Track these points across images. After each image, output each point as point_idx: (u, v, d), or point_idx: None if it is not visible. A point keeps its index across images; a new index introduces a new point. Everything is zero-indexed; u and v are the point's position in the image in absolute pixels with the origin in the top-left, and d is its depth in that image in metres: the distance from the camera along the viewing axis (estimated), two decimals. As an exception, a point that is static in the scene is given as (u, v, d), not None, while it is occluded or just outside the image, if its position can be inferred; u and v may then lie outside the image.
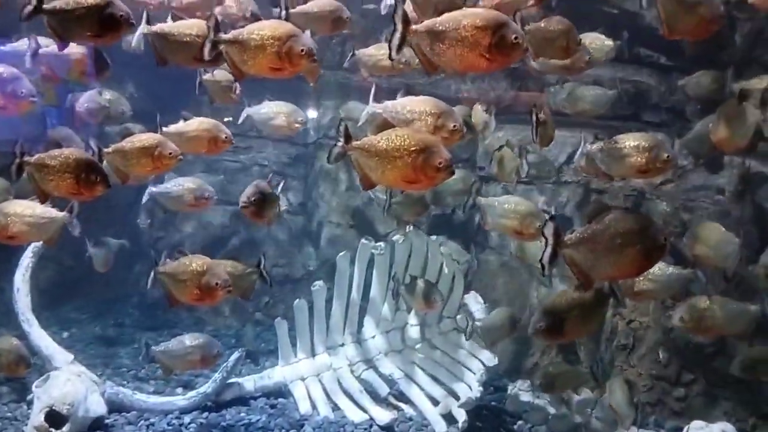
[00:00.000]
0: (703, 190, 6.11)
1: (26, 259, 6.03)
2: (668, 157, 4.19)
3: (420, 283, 5.49)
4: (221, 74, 5.14)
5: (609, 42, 5.24)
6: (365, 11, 6.89)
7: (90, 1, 3.68)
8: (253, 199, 4.46)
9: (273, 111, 5.88)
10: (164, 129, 4.72)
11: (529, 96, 7.35)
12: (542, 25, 4.45)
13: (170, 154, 4.32)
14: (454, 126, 3.45)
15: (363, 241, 6.15)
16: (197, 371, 6.20)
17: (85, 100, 6.13)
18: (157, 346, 5.27)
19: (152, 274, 4.26)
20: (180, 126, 4.82)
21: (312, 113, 8.14)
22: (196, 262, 4.12)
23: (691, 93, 5.72)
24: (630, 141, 4.25)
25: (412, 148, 3.10)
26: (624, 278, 4.03)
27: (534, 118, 4.72)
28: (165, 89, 7.18)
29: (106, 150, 4.29)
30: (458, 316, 6.17)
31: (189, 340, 5.19)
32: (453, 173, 3.10)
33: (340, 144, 3.29)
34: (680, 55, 6.31)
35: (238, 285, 4.42)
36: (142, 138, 4.37)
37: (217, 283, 4.05)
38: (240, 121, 6.00)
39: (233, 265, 4.45)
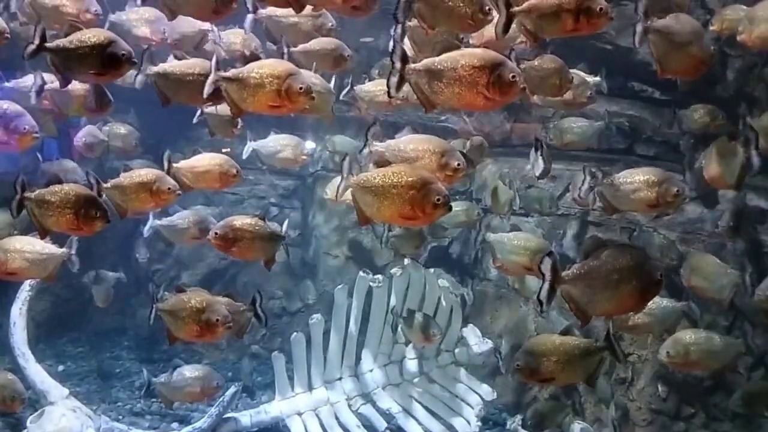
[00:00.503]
0: (700, 223, 6.14)
1: (23, 293, 6.01)
2: (678, 191, 4.21)
3: (418, 316, 5.48)
4: (221, 107, 5.19)
5: (589, 78, 5.32)
6: (360, 45, 6.99)
7: (93, 40, 3.74)
8: (217, 232, 4.41)
9: (279, 144, 5.93)
10: (175, 165, 4.76)
11: (522, 129, 7.41)
12: (536, 63, 4.53)
13: (169, 189, 4.34)
14: (458, 164, 3.49)
15: (361, 273, 6.15)
16: (194, 405, 6.15)
17: (84, 134, 6.17)
18: (157, 378, 5.24)
19: (152, 310, 4.23)
20: (191, 161, 4.86)
21: (309, 145, 8.18)
22: (196, 298, 4.10)
23: (686, 127, 5.79)
24: (640, 175, 4.27)
25: (410, 185, 3.13)
26: (620, 314, 4.04)
27: (535, 151, 4.80)
28: (162, 121, 7.25)
29: (105, 185, 4.31)
30: (457, 350, 6.15)
31: (189, 371, 5.17)
32: (450, 209, 3.13)
33: (344, 179, 3.31)
34: (673, 90, 6.42)
35: (233, 322, 4.38)
36: (141, 173, 4.41)
37: (217, 320, 4.04)
38: (245, 155, 6.05)
39: (228, 303, 4.38)
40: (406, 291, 6.07)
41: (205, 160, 4.86)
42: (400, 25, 3.82)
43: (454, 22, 3.73)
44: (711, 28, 5.04)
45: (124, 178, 4.35)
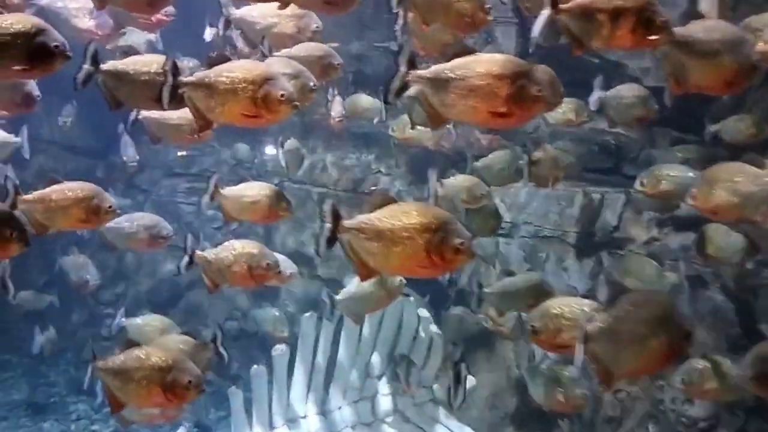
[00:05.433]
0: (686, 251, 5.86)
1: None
2: None
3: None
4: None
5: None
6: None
7: (16, 27, 3.03)
8: None
9: None
10: (222, 191, 4.30)
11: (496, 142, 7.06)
12: None
13: (110, 207, 3.77)
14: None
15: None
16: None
17: None
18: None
19: (90, 370, 3.36)
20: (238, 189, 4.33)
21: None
22: (157, 354, 3.18)
23: (727, 137, 5.36)
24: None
25: (425, 227, 2.54)
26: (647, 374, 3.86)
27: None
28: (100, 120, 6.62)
29: (25, 197, 3.64)
30: (435, 386, 5.69)
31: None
32: (474, 256, 2.54)
33: (328, 227, 2.73)
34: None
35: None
36: (74, 186, 3.75)
37: (189, 381, 3.16)
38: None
39: (185, 341, 3.93)
40: (381, 320, 5.60)
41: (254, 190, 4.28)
42: (400, 17, 3.40)
43: (452, 20, 3.36)
44: None
45: (53, 191, 3.68)
